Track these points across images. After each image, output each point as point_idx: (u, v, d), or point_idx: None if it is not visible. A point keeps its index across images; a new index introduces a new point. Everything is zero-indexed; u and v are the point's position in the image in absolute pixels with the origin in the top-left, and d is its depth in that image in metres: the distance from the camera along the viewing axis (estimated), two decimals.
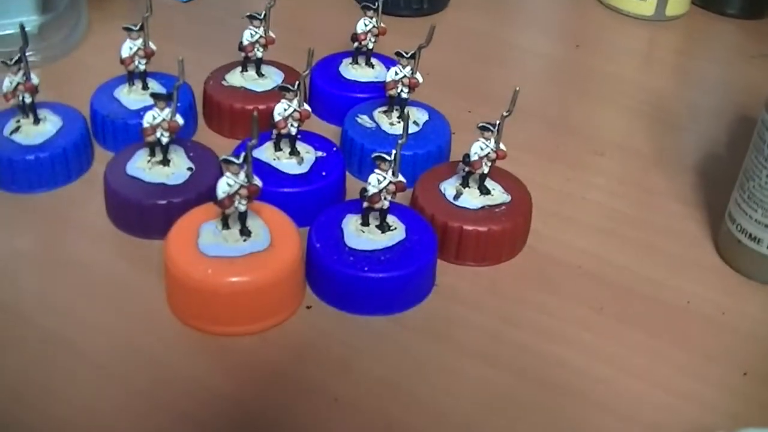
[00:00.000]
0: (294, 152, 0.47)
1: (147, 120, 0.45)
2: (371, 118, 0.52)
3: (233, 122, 0.53)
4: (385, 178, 0.41)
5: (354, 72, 0.56)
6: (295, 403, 0.38)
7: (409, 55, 0.50)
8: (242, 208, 0.40)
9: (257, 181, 0.40)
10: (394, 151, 0.41)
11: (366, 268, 0.41)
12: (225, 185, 0.39)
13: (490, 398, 0.38)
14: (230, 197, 0.40)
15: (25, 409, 0.37)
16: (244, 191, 0.40)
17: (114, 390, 0.38)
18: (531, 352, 0.41)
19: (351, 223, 0.43)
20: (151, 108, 0.46)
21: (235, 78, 0.55)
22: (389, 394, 0.38)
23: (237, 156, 0.39)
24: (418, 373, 0.39)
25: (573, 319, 0.43)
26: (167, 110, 0.45)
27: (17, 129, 0.49)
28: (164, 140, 0.46)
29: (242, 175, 0.40)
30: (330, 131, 0.53)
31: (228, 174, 0.39)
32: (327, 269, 0.42)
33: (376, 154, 0.41)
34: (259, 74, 0.55)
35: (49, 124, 0.50)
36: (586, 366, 0.40)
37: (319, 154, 0.48)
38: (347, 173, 0.50)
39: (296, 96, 0.46)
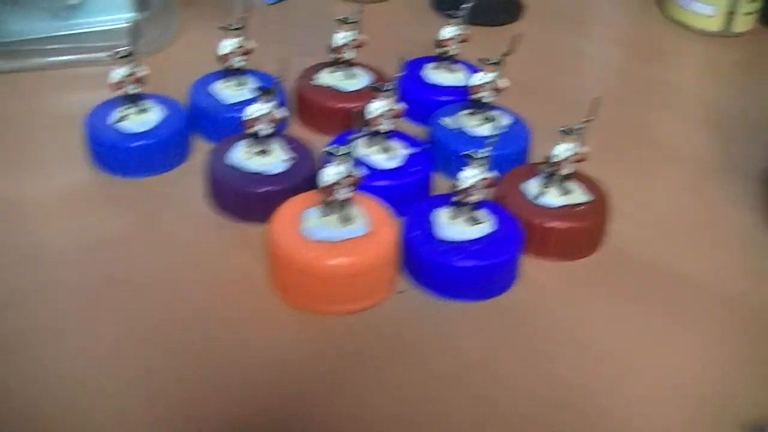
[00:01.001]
0: (386, 148, 0.50)
1: (249, 112, 0.48)
2: (455, 120, 0.54)
3: (324, 119, 0.56)
4: (476, 173, 0.44)
5: (437, 76, 0.59)
6: (390, 376, 0.40)
7: (493, 61, 0.52)
8: (345, 196, 0.43)
9: (360, 172, 0.43)
10: (486, 149, 0.44)
11: (456, 258, 0.44)
12: (330, 174, 0.42)
13: (568, 380, 0.41)
14: (334, 185, 0.42)
15: (137, 374, 0.40)
16: (347, 180, 0.43)
17: (220, 360, 0.41)
18: (603, 343, 0.43)
19: (442, 216, 0.46)
20: (250, 103, 0.49)
21: (325, 77, 0.58)
22: (476, 371, 0.41)
23: (340, 148, 0.42)
24: (503, 353, 0.42)
25: (642, 315, 0.45)
26: (270, 104, 0.48)
27: (123, 118, 0.52)
28: (265, 132, 0.49)
29: (345, 166, 0.42)
30: (415, 132, 0.56)
31: (333, 164, 0.42)
32: (420, 257, 0.44)
33: (469, 151, 0.44)
34: (349, 75, 0.57)
35: (152, 114, 0.53)
36: (653, 359, 0.43)
37: (410, 150, 0.51)
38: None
39: (390, 95, 0.48)
